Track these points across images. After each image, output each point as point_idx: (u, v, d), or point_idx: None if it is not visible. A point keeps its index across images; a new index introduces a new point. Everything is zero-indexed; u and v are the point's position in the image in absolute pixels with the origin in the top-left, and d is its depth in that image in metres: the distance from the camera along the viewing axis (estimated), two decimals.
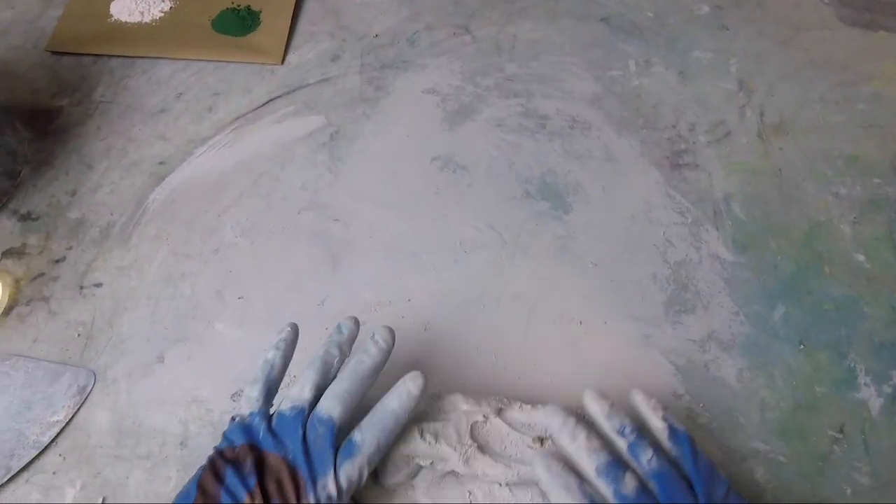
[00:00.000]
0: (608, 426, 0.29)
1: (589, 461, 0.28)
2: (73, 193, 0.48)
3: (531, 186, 0.46)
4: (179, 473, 0.37)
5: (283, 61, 0.53)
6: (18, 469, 0.37)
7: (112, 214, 0.47)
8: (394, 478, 0.32)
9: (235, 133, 0.50)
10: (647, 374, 0.37)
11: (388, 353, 0.33)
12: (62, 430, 0.38)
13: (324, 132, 0.50)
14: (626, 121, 0.49)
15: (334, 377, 0.32)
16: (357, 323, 0.35)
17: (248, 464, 0.28)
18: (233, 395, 0.39)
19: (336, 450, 0.29)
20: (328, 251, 0.44)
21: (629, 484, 0.27)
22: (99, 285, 0.44)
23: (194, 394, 0.39)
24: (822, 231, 0.42)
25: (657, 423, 0.29)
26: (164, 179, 0.48)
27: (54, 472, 0.37)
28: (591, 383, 0.38)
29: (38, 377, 0.40)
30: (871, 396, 0.36)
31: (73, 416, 0.39)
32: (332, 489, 0.28)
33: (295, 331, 0.35)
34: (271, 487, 0.27)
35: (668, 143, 0.47)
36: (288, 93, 0.52)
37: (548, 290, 0.42)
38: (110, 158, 0.49)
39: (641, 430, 0.29)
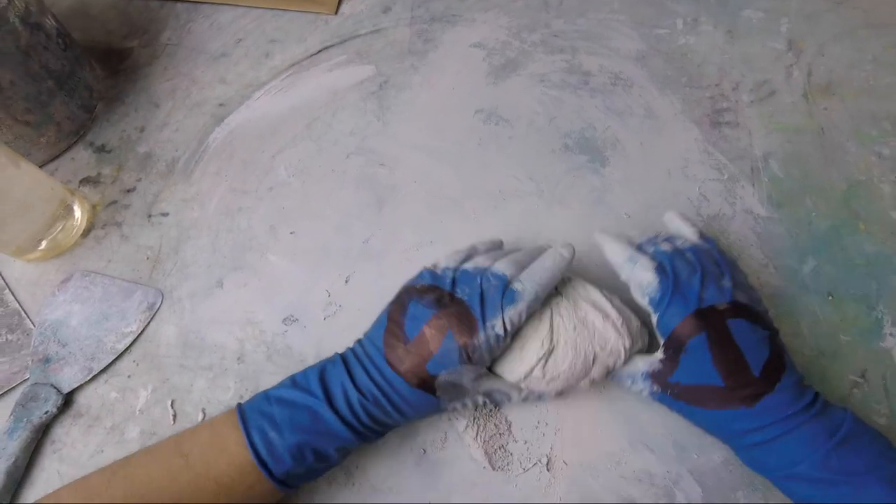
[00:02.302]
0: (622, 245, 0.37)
1: (629, 243, 0.37)
2: (142, 129, 0.51)
3: (570, 140, 0.47)
4: (237, 384, 0.41)
5: (336, 11, 0.55)
6: (99, 371, 0.42)
7: (177, 151, 0.50)
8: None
9: (290, 79, 0.53)
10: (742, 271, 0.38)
11: (568, 263, 0.36)
12: (135, 340, 0.43)
13: (373, 82, 0.52)
14: (669, 79, 0.49)
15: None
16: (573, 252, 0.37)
17: (430, 298, 0.33)
18: (284, 320, 0.43)
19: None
20: (374, 194, 0.47)
21: (665, 247, 0.35)
22: (165, 214, 0.48)
23: (249, 316, 0.43)
24: (861, 190, 0.42)
25: (690, 230, 0.37)
26: (223, 120, 0.51)
27: (129, 376, 0.42)
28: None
29: (113, 293, 0.45)
30: (895, 345, 0.37)
31: (144, 329, 0.43)
32: (499, 329, 0.32)
33: (501, 243, 0.40)
34: (450, 321, 0.32)
35: (710, 101, 0.47)
36: (340, 42, 0.54)
37: (582, 239, 0.43)
38: (175, 98, 0.53)
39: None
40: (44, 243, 0.46)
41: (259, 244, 0.46)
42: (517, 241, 0.44)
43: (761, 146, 0.45)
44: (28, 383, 0.41)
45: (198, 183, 0.49)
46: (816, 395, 0.31)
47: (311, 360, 0.41)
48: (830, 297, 0.39)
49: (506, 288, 0.33)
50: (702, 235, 0.37)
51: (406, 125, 0.50)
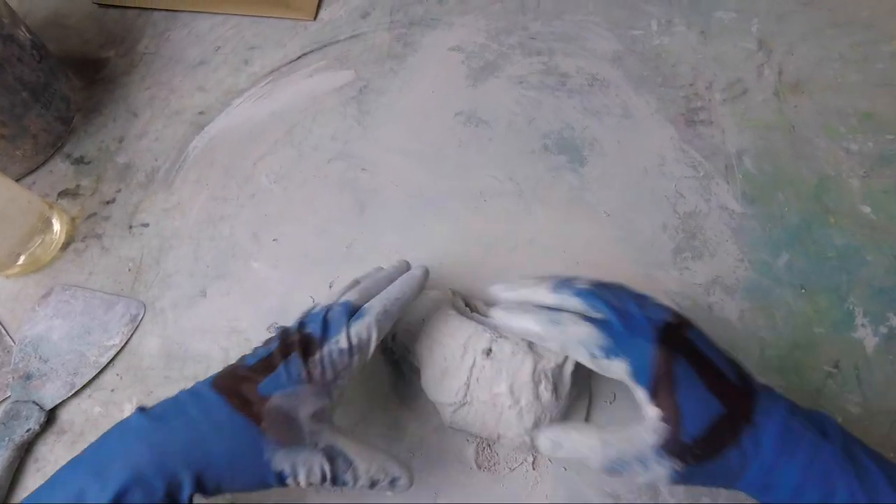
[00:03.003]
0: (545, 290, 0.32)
1: (544, 289, 0.32)
2: (121, 140, 0.51)
3: (549, 141, 0.48)
4: None
5: (315, 17, 0.55)
6: (81, 385, 0.42)
7: (156, 160, 0.50)
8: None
9: (270, 86, 0.53)
10: None
11: (421, 281, 0.35)
12: (118, 353, 0.43)
13: (353, 86, 0.52)
14: (645, 79, 0.50)
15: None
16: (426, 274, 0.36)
17: (274, 337, 0.32)
18: (268, 327, 0.43)
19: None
20: (355, 198, 0.47)
21: (583, 282, 0.31)
22: (146, 225, 0.47)
23: (233, 324, 0.43)
24: (831, 184, 0.43)
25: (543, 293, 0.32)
26: (203, 128, 0.51)
27: (113, 390, 0.42)
28: None
29: (95, 306, 0.44)
30: (866, 336, 0.38)
31: (127, 342, 0.43)
32: (343, 343, 0.30)
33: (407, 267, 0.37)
34: (292, 346, 0.30)
35: (685, 100, 0.48)
36: (320, 48, 0.54)
37: (562, 237, 0.44)
38: (154, 108, 0.52)
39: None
40: (22, 258, 0.45)
41: (242, 252, 0.46)
42: (498, 240, 0.44)
43: (735, 143, 0.46)
44: (9, 401, 0.41)
45: (178, 192, 0.49)
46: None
47: None
48: (803, 290, 0.40)
49: (351, 312, 0.32)
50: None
51: (386, 129, 0.50)
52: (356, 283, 0.36)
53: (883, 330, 0.38)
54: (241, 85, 0.53)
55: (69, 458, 0.39)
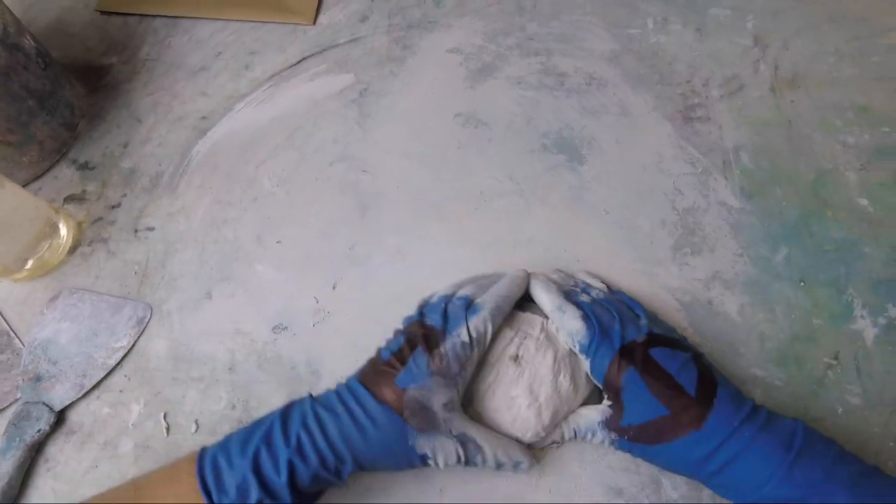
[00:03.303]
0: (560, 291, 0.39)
1: (556, 292, 0.38)
2: (125, 145, 0.52)
3: (548, 140, 0.49)
4: (229, 394, 0.41)
5: (314, 21, 0.56)
6: (90, 387, 0.42)
7: (160, 165, 0.51)
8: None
9: (271, 90, 0.53)
10: (653, 310, 0.40)
11: (524, 280, 0.39)
12: (125, 355, 0.43)
13: (353, 89, 0.52)
14: (642, 77, 0.50)
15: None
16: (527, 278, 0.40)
17: (400, 331, 0.36)
18: (274, 328, 0.43)
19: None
20: (357, 200, 0.48)
21: (586, 298, 0.38)
22: (151, 229, 0.48)
23: (238, 326, 0.44)
24: (828, 178, 0.44)
25: (599, 284, 0.40)
26: (206, 133, 0.52)
27: (121, 391, 0.42)
28: None
29: (102, 309, 0.45)
30: (866, 327, 0.38)
31: (134, 344, 0.44)
32: (464, 336, 0.35)
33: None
34: (417, 338, 0.35)
35: (682, 98, 0.49)
36: (319, 52, 0.54)
37: (561, 236, 0.44)
38: (157, 113, 0.53)
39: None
40: (30, 262, 0.46)
41: (246, 254, 0.46)
42: (498, 240, 0.45)
43: (732, 139, 0.46)
44: (20, 402, 0.42)
45: (182, 196, 0.49)
46: (755, 404, 0.32)
47: (302, 368, 0.42)
48: (802, 283, 0.40)
49: (468, 305, 0.36)
50: (609, 288, 0.40)
51: (387, 131, 0.50)
52: (467, 281, 0.40)
53: (882, 321, 0.38)
54: (242, 90, 0.53)
55: (79, 458, 0.40)
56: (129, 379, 0.43)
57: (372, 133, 0.50)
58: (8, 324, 0.45)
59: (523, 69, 0.52)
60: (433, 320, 0.35)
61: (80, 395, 0.42)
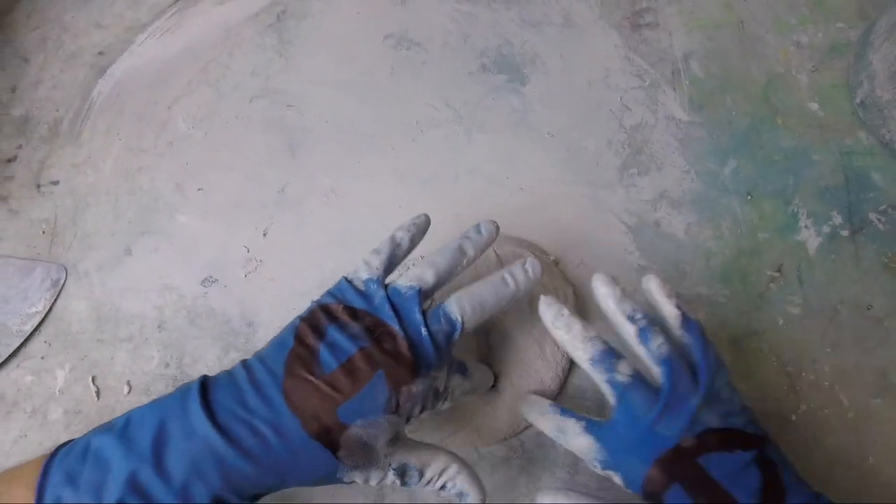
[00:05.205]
0: (619, 310, 0.28)
1: (584, 351, 0.28)
2: (13, 90, 0.46)
3: (487, 60, 0.45)
4: (161, 352, 0.39)
5: None
6: (7, 356, 0.39)
7: (58, 110, 0.45)
8: None
9: (176, 17, 0.47)
10: (599, 234, 0.38)
11: (533, 285, 0.31)
12: (43, 320, 0.40)
13: (270, 12, 0.47)
14: None
15: (457, 274, 0.31)
16: (497, 228, 0.32)
17: (358, 326, 0.27)
18: (203, 281, 0.41)
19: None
20: (284, 138, 0.44)
21: (623, 371, 0.27)
22: (56, 183, 0.44)
23: (165, 281, 0.41)
24: (780, 83, 0.41)
25: (671, 310, 0.28)
26: (106, 71, 0.46)
27: (42, 357, 0.40)
28: (546, 246, 0.39)
29: (10, 273, 0.41)
30: (809, 237, 0.38)
31: (51, 307, 0.40)
32: (440, 384, 0.28)
33: (427, 221, 0.33)
34: (384, 358, 0.26)
35: (629, 2, 0.45)
36: None
37: (505, 164, 0.42)
38: (47, 50, 0.47)
39: (652, 317, 0.28)
40: None
41: (166, 205, 0.43)
42: (438, 172, 0.42)
43: (682, 46, 0.43)
44: None
45: (88, 144, 0.44)
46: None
47: (237, 321, 0.40)
48: (749, 197, 0.39)
49: (451, 331, 0.28)
50: (685, 319, 0.28)
51: (311, 59, 0.46)
52: (453, 258, 0.30)
53: (826, 230, 0.38)
54: (142, 19, 0.47)
55: (5, 429, 0.38)
56: (50, 344, 0.40)
57: (294, 62, 0.46)
58: None
59: None
60: (414, 335, 0.27)
61: None
